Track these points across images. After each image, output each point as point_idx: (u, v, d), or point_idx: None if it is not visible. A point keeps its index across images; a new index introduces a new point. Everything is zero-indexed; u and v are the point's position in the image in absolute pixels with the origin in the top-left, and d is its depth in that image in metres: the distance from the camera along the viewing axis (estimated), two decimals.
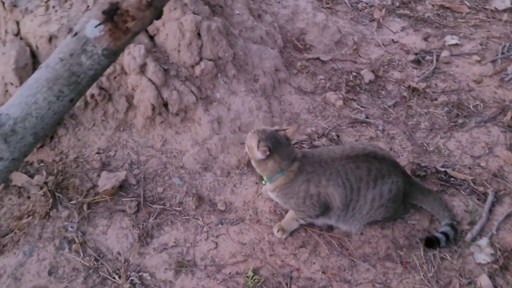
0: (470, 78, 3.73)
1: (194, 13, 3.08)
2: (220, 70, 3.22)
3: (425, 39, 4.17)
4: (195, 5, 3.10)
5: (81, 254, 2.56)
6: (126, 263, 2.54)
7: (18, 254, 2.56)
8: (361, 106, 3.49)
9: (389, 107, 3.50)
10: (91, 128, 3.07)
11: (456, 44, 4.07)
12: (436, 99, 3.54)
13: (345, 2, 4.55)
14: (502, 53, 3.94)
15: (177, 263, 2.55)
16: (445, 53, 3.95)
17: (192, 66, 3.13)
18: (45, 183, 2.79)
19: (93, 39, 2.12)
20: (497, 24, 4.26)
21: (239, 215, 2.79)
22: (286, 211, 2.68)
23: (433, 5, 4.49)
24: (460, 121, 3.34)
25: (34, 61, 3.03)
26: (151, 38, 3.14)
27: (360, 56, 3.98)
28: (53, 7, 3.04)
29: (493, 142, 3.18)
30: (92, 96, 2.99)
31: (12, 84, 2.94)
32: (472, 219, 2.73)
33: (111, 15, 2.11)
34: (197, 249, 2.63)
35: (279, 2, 4.07)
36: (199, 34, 3.10)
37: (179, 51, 3.10)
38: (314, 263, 2.58)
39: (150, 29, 3.11)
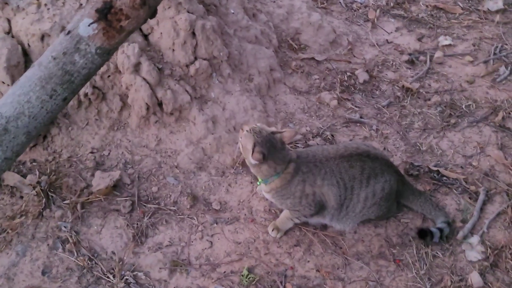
0: (463, 79, 3.75)
1: (188, 12, 3.08)
2: (215, 70, 3.23)
3: (419, 39, 4.18)
4: (189, 4, 3.10)
5: (75, 254, 2.55)
6: (121, 263, 2.54)
7: (11, 254, 2.55)
8: (356, 106, 3.50)
9: (383, 107, 3.51)
10: (85, 127, 3.06)
11: (449, 45, 4.09)
12: (429, 99, 3.56)
13: (339, 2, 4.55)
14: (494, 53, 3.96)
15: (171, 262, 2.55)
16: (438, 54, 3.96)
17: (187, 65, 3.13)
18: (38, 182, 2.77)
19: (87, 38, 2.12)
20: (489, 25, 4.29)
21: (234, 215, 2.79)
22: (281, 211, 2.69)
23: (426, 6, 4.50)
24: (452, 121, 3.36)
25: (26, 59, 3.02)
26: (145, 37, 3.14)
27: (354, 56, 3.99)
28: (45, 5, 3.03)
29: (484, 142, 3.20)
30: (86, 95, 2.99)
31: (3, 82, 2.93)
32: (464, 218, 2.75)
33: (105, 13, 2.12)
34: (191, 248, 2.64)
35: (274, 2, 4.07)
36: (193, 33, 3.09)
37: (173, 50, 3.09)
38: (308, 261, 2.58)
39: (144, 27, 3.11)
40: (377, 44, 4.13)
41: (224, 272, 2.53)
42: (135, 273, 2.51)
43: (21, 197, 2.75)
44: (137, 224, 2.70)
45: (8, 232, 2.62)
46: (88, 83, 2.77)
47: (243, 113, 3.19)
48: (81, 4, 3.01)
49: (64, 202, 2.75)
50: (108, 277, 2.47)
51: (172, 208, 2.80)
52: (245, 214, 2.80)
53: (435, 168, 2.99)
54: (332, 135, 3.24)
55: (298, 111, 3.42)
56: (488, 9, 4.39)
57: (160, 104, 3.03)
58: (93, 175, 2.87)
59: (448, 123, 3.35)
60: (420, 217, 2.77)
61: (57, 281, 2.45)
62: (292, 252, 2.62)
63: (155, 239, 2.66)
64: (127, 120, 3.10)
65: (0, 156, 2.12)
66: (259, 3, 3.97)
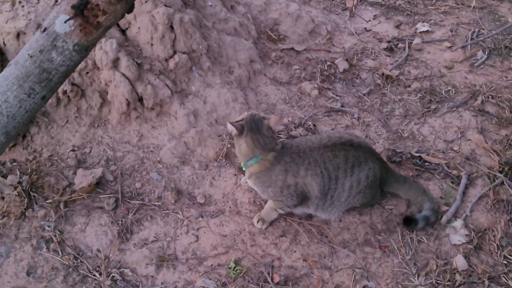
0: (442, 64, 3.79)
1: (166, 5, 3.05)
2: (195, 63, 3.21)
3: (397, 26, 4.21)
4: None
5: (60, 253, 2.53)
6: (107, 260, 2.52)
7: None
8: (336, 95, 3.51)
9: (364, 95, 3.53)
10: (65, 125, 3.02)
11: (427, 31, 4.12)
12: (409, 86, 3.59)
13: None
14: (472, 38, 4.00)
15: (158, 257, 2.54)
16: (417, 40, 3.99)
17: (166, 60, 3.10)
18: (19, 182, 2.73)
19: (63, 35, 2.10)
20: (466, 11, 4.33)
21: (219, 207, 2.79)
22: (266, 202, 2.69)
23: None
24: (433, 106, 3.40)
25: (2, 58, 2.97)
26: (123, 32, 3.11)
27: (333, 45, 4.00)
28: (20, 2, 2.98)
29: (465, 126, 3.24)
30: (65, 92, 2.95)
31: None
32: (446, 202, 2.79)
33: (81, 9, 2.09)
34: (177, 243, 2.63)
35: None
36: (171, 27, 3.07)
37: (152, 44, 3.07)
38: (295, 251, 2.59)
39: (122, 23, 3.07)
40: (355, 32, 4.15)
41: (211, 265, 2.53)
42: (121, 270, 2.49)
43: (2, 198, 2.70)
44: (122, 220, 2.69)
45: None
46: (66, 81, 2.73)
47: (225, 105, 3.18)
48: (56, 1, 2.96)
49: (47, 201, 2.71)
50: (94, 275, 2.45)
51: (156, 203, 2.79)
52: (230, 207, 2.79)
53: (417, 154, 3.02)
54: (314, 125, 3.25)
55: (280, 102, 3.42)
56: None
57: (140, 99, 3.01)
58: (75, 173, 2.84)
59: (428, 109, 3.38)
60: (404, 203, 2.80)
61: (43, 281, 2.43)
62: (278, 242, 2.63)
63: (140, 235, 2.65)
64: (107, 116, 3.07)
65: None
66: None
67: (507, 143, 3.09)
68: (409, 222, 2.65)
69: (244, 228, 2.69)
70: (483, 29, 4.11)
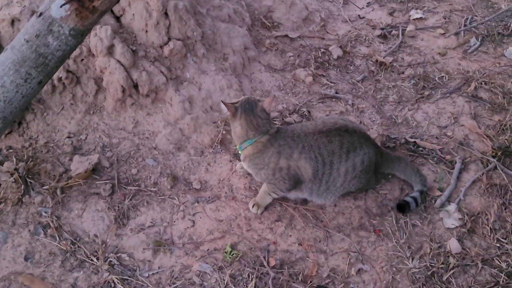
0: (435, 51, 3.81)
1: None
2: (189, 50, 3.21)
3: (391, 14, 4.22)
4: None
5: (57, 238, 2.54)
6: (104, 245, 2.54)
7: None
8: (331, 82, 3.53)
9: (358, 81, 3.55)
10: (60, 112, 3.02)
11: (421, 18, 4.14)
12: (403, 73, 3.61)
13: None
14: (465, 25, 4.03)
15: (154, 242, 2.56)
16: (410, 27, 4.01)
17: (161, 46, 3.10)
18: (16, 169, 2.74)
19: (59, 19, 2.10)
20: None
21: (214, 193, 2.81)
22: (261, 187, 2.71)
23: None
24: (426, 93, 3.42)
25: None
26: (117, 19, 3.10)
27: (327, 32, 4.01)
28: None
29: (458, 112, 3.27)
30: (60, 79, 2.95)
31: None
32: (440, 187, 2.82)
33: None
34: (174, 228, 2.65)
35: None
36: (166, 14, 3.07)
37: (146, 31, 3.07)
38: (290, 235, 2.62)
39: (116, 9, 3.07)
40: (349, 19, 4.16)
41: (208, 250, 2.55)
42: (118, 254, 2.51)
43: None
44: (118, 206, 2.70)
45: None
46: (61, 67, 2.74)
47: (219, 92, 3.19)
48: None
49: (43, 187, 2.72)
50: (92, 260, 2.47)
51: (152, 189, 2.80)
52: (226, 192, 2.81)
53: (411, 140, 3.05)
54: (309, 111, 3.27)
55: (274, 89, 3.44)
56: None
57: (135, 86, 3.01)
58: (71, 159, 2.85)
59: (422, 95, 3.40)
60: (398, 188, 2.83)
61: (41, 266, 2.44)
62: (274, 227, 2.65)
63: (137, 220, 2.67)
64: (103, 103, 3.07)
65: None
66: None
67: (500, 128, 3.13)
68: (402, 208, 2.67)
69: (239, 213, 2.71)
70: (476, 15, 4.14)
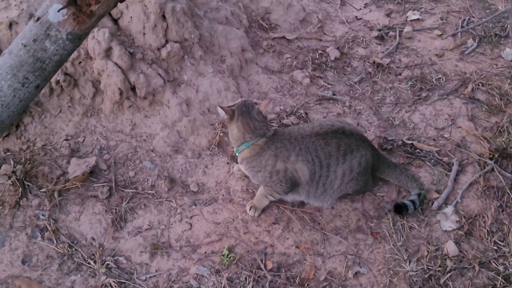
0: (432, 52, 3.82)
1: None
2: (187, 52, 3.21)
3: (388, 15, 4.23)
4: None
5: (55, 242, 2.54)
6: (101, 248, 2.54)
7: None
8: (328, 83, 3.53)
9: (355, 83, 3.55)
10: (58, 114, 3.03)
11: (418, 19, 4.15)
12: (400, 74, 3.62)
13: None
14: (462, 26, 4.03)
15: (152, 245, 2.57)
16: (407, 29, 4.02)
17: (158, 49, 3.10)
18: (13, 172, 2.74)
19: (57, 24, 2.10)
20: None
21: (212, 196, 2.81)
22: (258, 189, 2.71)
23: None
24: (423, 94, 3.43)
25: None
26: (115, 21, 3.10)
27: (325, 34, 4.01)
28: None
29: (455, 114, 3.28)
30: (57, 82, 2.95)
31: None
32: (437, 189, 2.82)
33: None
34: (171, 230, 2.65)
35: None
36: (163, 16, 3.07)
37: (144, 34, 3.07)
38: (288, 238, 2.63)
39: (114, 12, 3.07)
40: (346, 21, 4.16)
41: (205, 252, 2.56)
42: (116, 257, 2.51)
43: None
44: (116, 209, 2.70)
45: None
46: (59, 70, 2.73)
47: (217, 94, 3.19)
48: None
49: (41, 190, 2.72)
50: (89, 263, 2.47)
51: (150, 192, 2.80)
52: (223, 195, 2.82)
53: (409, 142, 3.05)
54: (306, 113, 3.27)
55: (271, 91, 3.44)
56: None
57: (133, 88, 3.02)
58: (68, 162, 2.85)
59: (419, 97, 3.41)
60: (395, 190, 2.83)
61: (38, 270, 2.45)
62: (271, 230, 2.66)
63: (134, 223, 2.67)
64: (100, 106, 3.07)
65: None
66: None
67: (497, 130, 3.13)
68: (399, 209, 2.68)
69: (237, 215, 2.72)
70: (473, 17, 4.14)
